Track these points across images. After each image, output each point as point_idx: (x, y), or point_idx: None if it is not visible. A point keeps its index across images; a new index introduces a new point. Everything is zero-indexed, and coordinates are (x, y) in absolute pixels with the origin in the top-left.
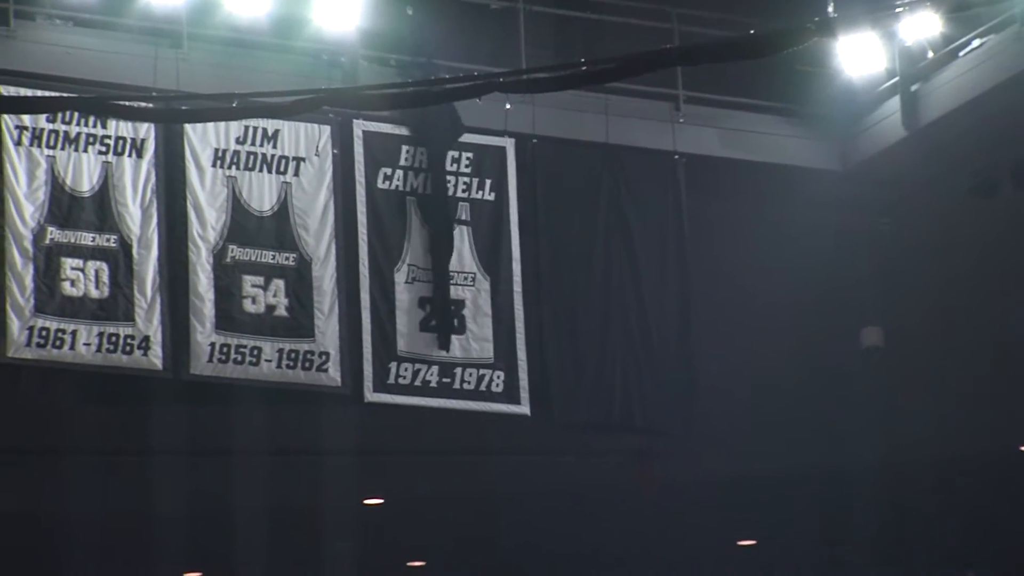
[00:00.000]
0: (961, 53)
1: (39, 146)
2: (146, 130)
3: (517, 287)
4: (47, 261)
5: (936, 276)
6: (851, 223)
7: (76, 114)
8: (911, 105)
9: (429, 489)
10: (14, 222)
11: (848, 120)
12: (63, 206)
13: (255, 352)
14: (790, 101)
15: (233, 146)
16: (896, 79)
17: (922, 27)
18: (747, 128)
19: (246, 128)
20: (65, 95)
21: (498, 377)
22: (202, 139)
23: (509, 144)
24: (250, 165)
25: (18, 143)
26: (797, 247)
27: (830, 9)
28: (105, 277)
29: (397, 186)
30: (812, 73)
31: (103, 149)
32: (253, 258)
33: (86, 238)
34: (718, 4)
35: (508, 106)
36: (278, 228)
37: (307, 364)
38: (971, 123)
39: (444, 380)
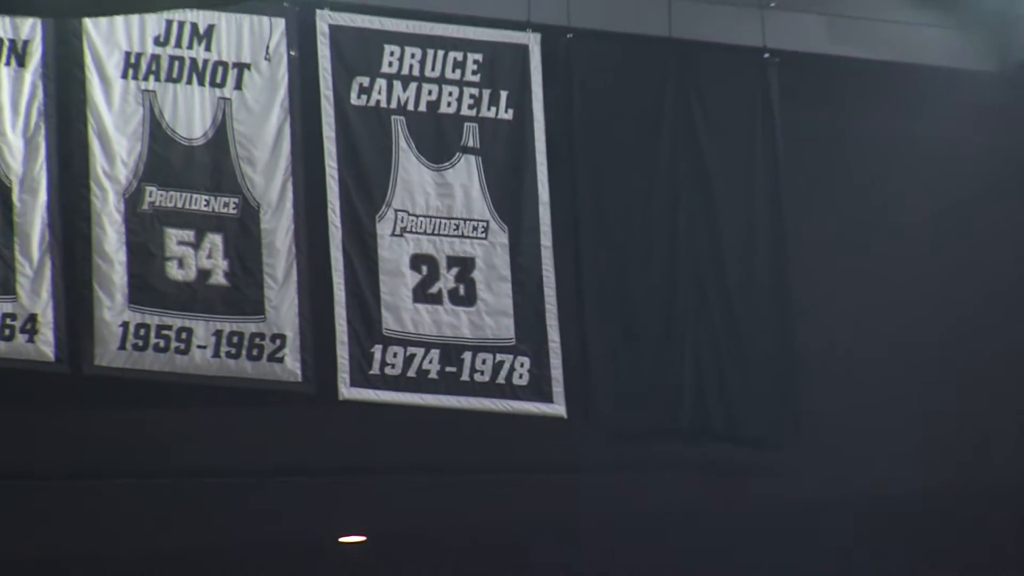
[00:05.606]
0: None
1: None
2: (30, 28)
3: (546, 240)
4: None
5: None
6: (1015, 141)
7: None
8: None
9: (426, 522)
10: None
11: (1008, 3)
12: None
13: (183, 335)
14: None
15: (151, 49)
16: None
17: None
18: (866, 15)
19: (168, 23)
20: None
21: (521, 365)
22: (108, 40)
23: (533, 41)
24: (174, 75)
25: None
26: (941, 178)
27: None
28: None
29: (378, 101)
30: None
31: None
32: (180, 204)
33: None
34: None
35: None
36: (214, 162)
37: (255, 351)
38: None
39: (448, 369)
